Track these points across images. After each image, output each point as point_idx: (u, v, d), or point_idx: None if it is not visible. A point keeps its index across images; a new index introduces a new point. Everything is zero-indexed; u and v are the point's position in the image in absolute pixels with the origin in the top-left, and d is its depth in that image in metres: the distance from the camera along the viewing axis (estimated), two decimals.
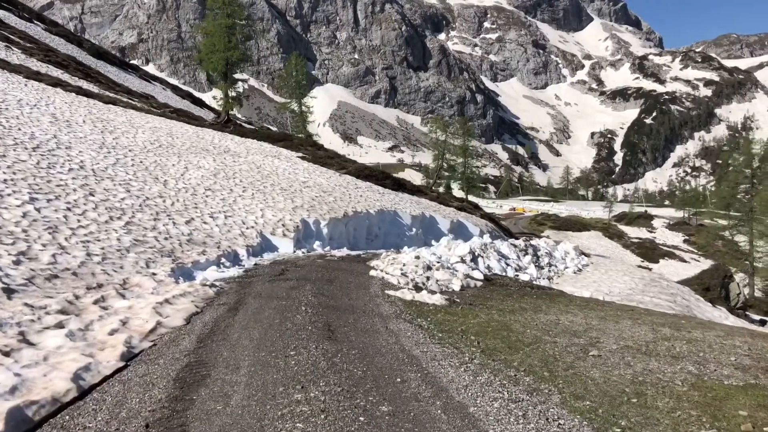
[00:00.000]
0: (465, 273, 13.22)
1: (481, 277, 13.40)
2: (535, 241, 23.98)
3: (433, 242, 24.84)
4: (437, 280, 11.75)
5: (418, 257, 13.68)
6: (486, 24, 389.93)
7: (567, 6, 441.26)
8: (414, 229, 23.83)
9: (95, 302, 7.00)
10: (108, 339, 5.61)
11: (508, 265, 18.01)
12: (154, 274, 9.18)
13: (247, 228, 15.14)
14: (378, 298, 8.79)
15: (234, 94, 43.23)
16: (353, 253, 16.13)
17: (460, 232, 27.51)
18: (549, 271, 21.17)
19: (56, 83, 32.41)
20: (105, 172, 16.70)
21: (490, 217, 38.43)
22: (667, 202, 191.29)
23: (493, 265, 16.37)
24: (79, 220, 11.44)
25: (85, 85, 40.19)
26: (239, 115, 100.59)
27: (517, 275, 17.09)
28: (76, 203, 12.64)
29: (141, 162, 19.48)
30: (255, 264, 12.28)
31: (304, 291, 8.62)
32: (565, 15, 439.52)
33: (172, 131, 28.17)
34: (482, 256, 16.28)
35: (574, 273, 22.00)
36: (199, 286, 8.49)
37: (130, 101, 39.84)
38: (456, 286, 11.65)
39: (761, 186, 50.26)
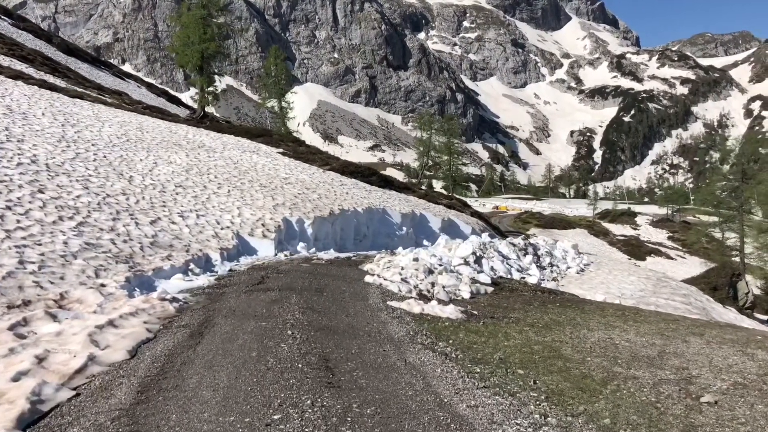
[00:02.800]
0: (471, 277, 11.63)
1: (489, 281, 11.84)
2: (533, 240, 22.52)
3: (425, 242, 23.25)
4: (443, 287, 10.13)
5: (416, 259, 12.07)
6: (465, 23, 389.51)
7: (545, 5, 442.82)
8: (404, 228, 22.20)
9: (11, 327, 5.25)
10: (8, 388, 3.88)
11: (510, 266, 16.46)
12: (102, 285, 7.41)
13: (222, 228, 13.38)
14: (381, 312, 7.12)
15: (212, 89, 41.21)
16: (342, 255, 14.43)
17: (451, 230, 25.96)
18: (551, 271, 19.67)
19: (17, 76, 30.20)
20: (61, 167, 14.83)
21: (479, 215, 36.97)
22: (646, 199, 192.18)
23: (497, 267, 14.79)
24: (18, 221, 9.62)
25: (51, 79, 37.95)
26: (217, 115, 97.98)
27: (523, 278, 15.55)
28: (19, 201, 10.80)
29: (105, 157, 17.61)
30: (230, 270, 10.54)
31: (289, 305, 6.90)
32: (544, 14, 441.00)
33: (143, 126, 26.21)
34: (485, 257, 14.69)
35: (577, 273, 20.53)
36: (157, 301, 6.74)
37: (99, 96, 37.63)
38: (465, 293, 10.05)
39: (750, 181, 49.42)
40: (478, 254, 14.50)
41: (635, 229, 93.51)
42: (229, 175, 19.49)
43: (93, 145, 18.68)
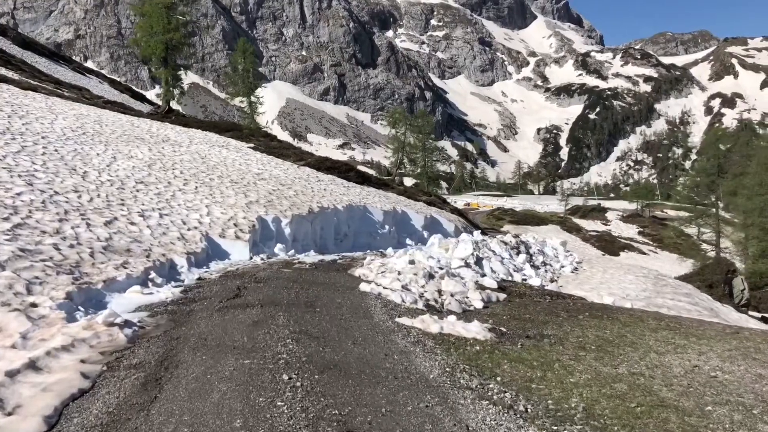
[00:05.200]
0: (475, 281, 10.23)
1: (495, 285, 10.45)
2: (524, 237, 21.31)
3: (408, 240, 21.84)
4: (452, 295, 8.68)
5: (413, 262, 10.62)
6: (433, 21, 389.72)
7: (511, 4, 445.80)
8: (387, 227, 20.72)
9: None
10: None
11: (508, 267, 15.12)
12: (33, 305, 5.75)
13: (189, 229, 11.70)
14: (394, 335, 5.61)
15: (178, 83, 39.11)
16: (326, 257, 12.87)
17: (434, 228, 24.60)
18: (546, 271, 18.43)
19: None
20: (2, 161, 12.99)
21: (459, 212, 35.72)
22: (612, 195, 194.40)
23: (497, 268, 13.42)
24: None
25: (2, 71, 35.52)
26: (184, 112, 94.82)
27: (524, 279, 14.21)
28: None
29: (56, 150, 15.74)
30: (198, 278, 8.91)
31: (276, 329, 5.34)
32: (510, 13, 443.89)
33: (102, 119, 24.20)
34: (485, 258, 13.31)
35: (572, 273, 19.34)
36: (103, 328, 5.12)
37: (56, 90, 35.28)
38: (477, 302, 8.61)
39: (726, 176, 49.44)
40: (477, 255, 13.12)
41: (606, 224, 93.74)
42: (196, 170, 17.76)
43: (43, 138, 16.79)
